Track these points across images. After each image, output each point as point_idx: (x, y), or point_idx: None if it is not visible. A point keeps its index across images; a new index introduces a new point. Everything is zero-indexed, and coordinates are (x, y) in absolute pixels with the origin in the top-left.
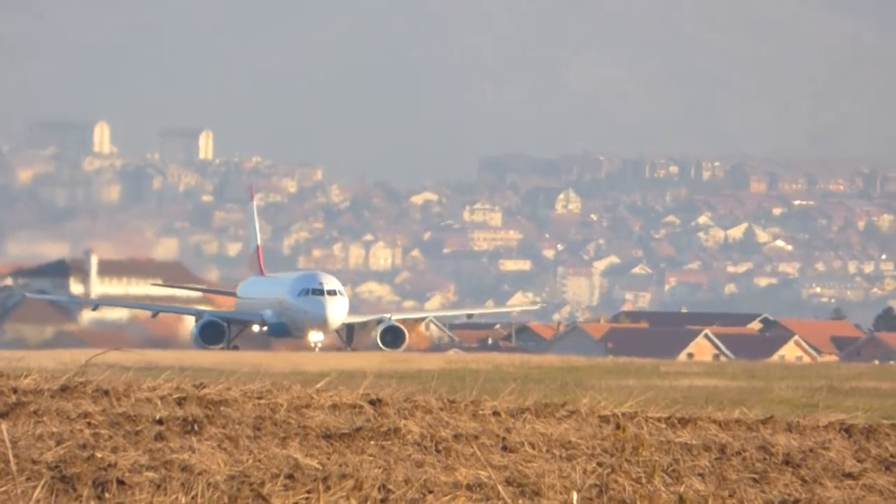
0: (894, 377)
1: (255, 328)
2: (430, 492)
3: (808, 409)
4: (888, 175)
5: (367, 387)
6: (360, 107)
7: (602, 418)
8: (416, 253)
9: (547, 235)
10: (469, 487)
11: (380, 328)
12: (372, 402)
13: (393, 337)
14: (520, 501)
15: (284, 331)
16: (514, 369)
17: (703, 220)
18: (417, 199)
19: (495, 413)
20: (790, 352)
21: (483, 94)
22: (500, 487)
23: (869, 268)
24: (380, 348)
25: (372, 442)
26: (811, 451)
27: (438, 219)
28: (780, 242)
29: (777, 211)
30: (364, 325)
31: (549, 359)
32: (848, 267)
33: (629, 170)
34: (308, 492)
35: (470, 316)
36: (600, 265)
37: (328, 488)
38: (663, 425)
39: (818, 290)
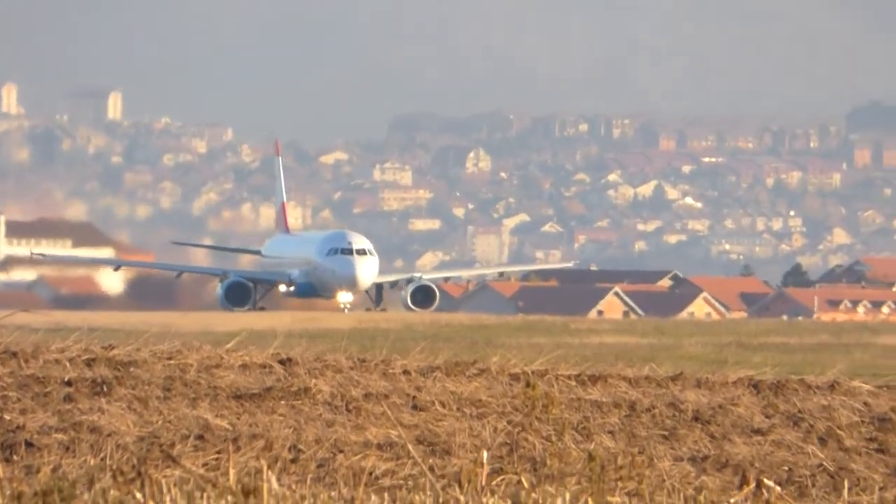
0: (802, 333)
1: (282, 288)
2: (341, 451)
3: (717, 365)
4: (796, 132)
5: (278, 346)
6: (270, 66)
7: (512, 376)
8: (326, 213)
9: (457, 194)
10: (379, 446)
11: (410, 287)
12: (282, 362)
13: (424, 296)
14: (430, 460)
15: (312, 291)
16: (425, 328)
17: (613, 177)
18: (328, 159)
19: (405, 372)
20: (699, 308)
21: (392, 53)
22: (410, 446)
23: (777, 224)
24: (410, 308)
25: (282, 402)
26: (720, 407)
27: (348, 178)
28: (689, 200)
29: (686, 168)
30: (394, 284)
31: (459, 317)
32: (756, 224)
33: (539, 128)
34: (218, 452)
35: (501, 274)
36: (510, 223)
37: (238, 448)
38: (573, 383)
39: (727, 246)
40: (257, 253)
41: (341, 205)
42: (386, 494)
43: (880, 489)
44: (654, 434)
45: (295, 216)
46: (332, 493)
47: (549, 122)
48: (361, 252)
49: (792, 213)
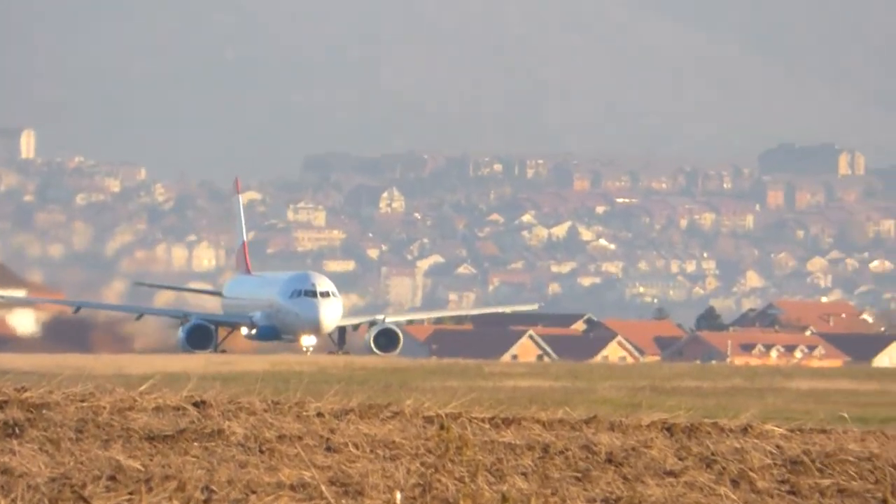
0: (715, 376)
1: (244, 331)
2: (254, 492)
3: (630, 408)
4: (709, 173)
5: (192, 389)
6: (183, 105)
7: (426, 419)
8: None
9: (371, 235)
10: (292, 487)
11: (373, 331)
12: (196, 404)
13: (387, 340)
14: (343, 501)
15: (275, 334)
16: (339, 371)
17: (526, 218)
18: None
19: (319, 414)
20: (613, 352)
21: (306, 94)
22: (323, 487)
23: (691, 267)
24: (373, 352)
25: (195, 443)
26: (633, 449)
27: (262, 218)
28: (603, 241)
29: (600, 209)
30: (357, 326)
31: (373, 360)
32: (671, 266)
33: (453, 168)
34: (130, 493)
35: (462, 318)
36: (424, 265)
37: (151, 489)
38: (487, 425)
39: (641, 289)
40: (218, 294)
41: (255, 245)
42: None
43: None
44: (568, 476)
45: (208, 256)
46: None
47: (463, 162)
48: (325, 294)
49: (705, 254)
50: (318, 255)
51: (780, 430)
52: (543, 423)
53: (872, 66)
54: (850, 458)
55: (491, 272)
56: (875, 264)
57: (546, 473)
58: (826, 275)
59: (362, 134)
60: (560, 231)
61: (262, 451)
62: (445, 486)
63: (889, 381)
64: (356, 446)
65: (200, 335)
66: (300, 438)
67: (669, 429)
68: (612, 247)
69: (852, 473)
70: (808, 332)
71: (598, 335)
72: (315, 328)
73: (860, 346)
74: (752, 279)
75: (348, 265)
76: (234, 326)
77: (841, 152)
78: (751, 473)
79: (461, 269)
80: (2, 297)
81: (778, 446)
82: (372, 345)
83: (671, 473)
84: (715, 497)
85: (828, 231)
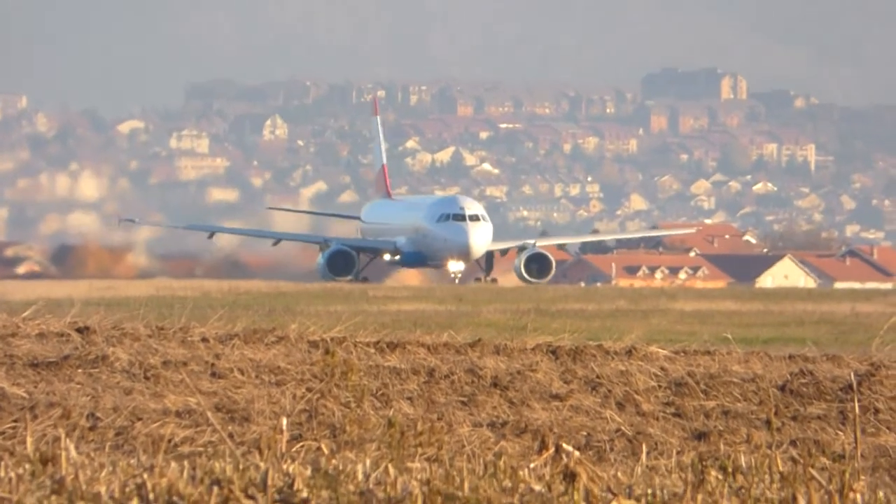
0: (600, 299)
1: (387, 257)
2: (139, 419)
3: (515, 332)
4: (592, 98)
5: (75, 315)
6: (65, 33)
7: (311, 343)
8: (123, 182)
9: (255, 163)
10: (178, 414)
11: (523, 256)
12: (79, 330)
13: (539, 266)
14: (229, 427)
15: (421, 260)
16: (223, 296)
17: (410, 144)
18: (124, 128)
19: (204, 339)
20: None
21: (189, 22)
22: (209, 413)
23: (575, 190)
24: (524, 278)
25: (80, 370)
26: (519, 373)
27: (145, 147)
28: (487, 166)
29: (484, 134)
30: (505, 252)
31: (258, 285)
32: (554, 190)
33: (336, 95)
34: (15, 420)
35: (601, 242)
36: (308, 192)
37: (35, 417)
38: (372, 350)
39: (525, 212)
40: (356, 219)
41: (138, 174)
42: (185, 462)
43: (678, 453)
44: (453, 400)
45: (91, 186)
46: (131, 461)
47: (346, 89)
48: (475, 218)
49: (589, 178)
50: (200, 184)
51: (665, 352)
52: (428, 347)
53: None
54: (734, 380)
55: (375, 198)
56: (758, 187)
57: (432, 398)
58: (709, 197)
59: (246, 62)
60: (444, 157)
61: (146, 378)
62: (331, 411)
63: (772, 302)
64: (241, 372)
65: (342, 261)
66: (185, 364)
67: (554, 352)
68: (496, 171)
69: (736, 395)
70: (691, 254)
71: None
72: (464, 254)
73: (743, 267)
74: (636, 202)
75: (232, 194)
76: (377, 253)
77: (723, 76)
78: (636, 396)
79: (344, 196)
80: None
81: (662, 368)
82: (523, 270)
83: (557, 397)
84: (600, 420)
85: (711, 154)
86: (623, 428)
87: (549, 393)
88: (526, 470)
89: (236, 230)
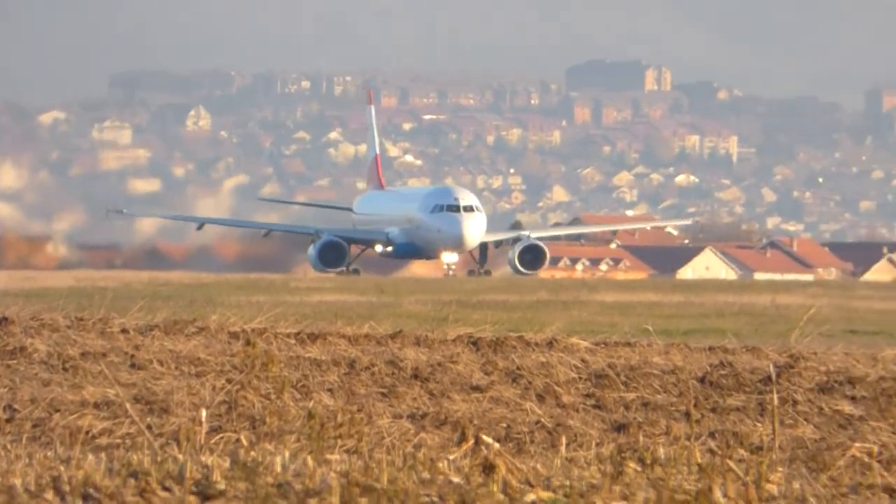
0: (521, 290)
1: (379, 248)
2: (57, 410)
3: (436, 323)
4: (517, 89)
5: None
6: None
7: (232, 334)
8: (43, 173)
9: (177, 154)
10: (97, 405)
11: (518, 247)
12: None
13: (533, 257)
14: (148, 419)
15: (414, 251)
16: (143, 287)
17: (333, 135)
18: (46, 118)
19: (124, 331)
20: (418, 268)
21: (112, 11)
22: (127, 405)
23: (497, 182)
24: (518, 270)
25: None
26: (439, 364)
27: (66, 138)
28: (409, 157)
29: (407, 126)
30: (500, 243)
31: (179, 276)
32: (477, 181)
33: (260, 85)
34: None
35: (614, 232)
36: (230, 183)
37: None
38: (293, 341)
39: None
40: (348, 210)
41: (59, 165)
42: (103, 454)
43: (597, 444)
44: (374, 392)
45: (11, 176)
46: (49, 453)
47: (271, 79)
48: (469, 209)
49: (512, 170)
50: (122, 174)
51: (586, 343)
52: (349, 339)
53: None
54: (655, 371)
55: (297, 190)
56: (680, 178)
57: (352, 389)
58: (632, 189)
59: (170, 52)
60: (367, 148)
61: (65, 369)
62: (251, 402)
63: (693, 293)
64: (161, 363)
65: (334, 252)
66: (104, 355)
67: (475, 343)
68: (419, 163)
69: (656, 386)
70: (613, 245)
71: None
72: (458, 245)
73: (664, 258)
74: (559, 194)
75: (154, 184)
76: (368, 244)
77: (647, 68)
78: (556, 388)
79: (267, 187)
80: None
81: (583, 360)
82: (517, 262)
83: (477, 388)
84: (521, 412)
85: (634, 146)
86: (543, 420)
87: (469, 384)
88: (445, 462)
89: (222, 220)
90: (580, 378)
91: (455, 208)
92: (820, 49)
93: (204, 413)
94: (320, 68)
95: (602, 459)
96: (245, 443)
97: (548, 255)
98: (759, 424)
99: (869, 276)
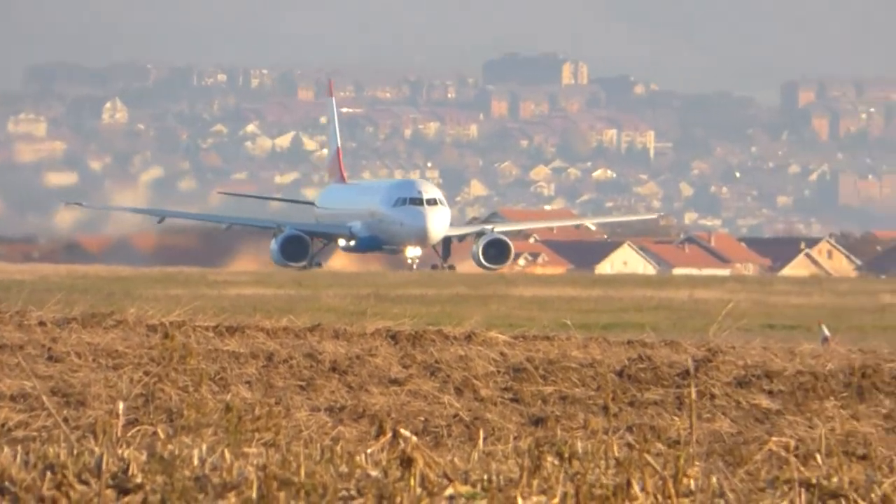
0: (439, 284)
1: (342, 243)
2: None
3: (355, 316)
4: (434, 83)
5: None
6: None
7: (150, 327)
8: None
9: (93, 146)
10: (13, 398)
11: (481, 242)
12: None
13: (497, 251)
14: (65, 412)
15: (376, 245)
16: (61, 279)
17: (250, 128)
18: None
19: (41, 323)
20: (338, 261)
21: (28, 2)
22: (44, 398)
23: (414, 176)
24: (482, 264)
25: None
26: (358, 357)
27: None
28: (326, 151)
29: (324, 119)
30: (463, 237)
31: (97, 269)
32: (394, 175)
33: (177, 78)
34: None
35: (577, 226)
36: (147, 177)
37: None
38: (211, 334)
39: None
40: (310, 204)
41: None
42: (19, 447)
43: (515, 438)
44: (292, 384)
45: None
46: None
47: (187, 72)
48: (433, 202)
49: (429, 164)
50: (37, 167)
51: (504, 337)
52: (268, 332)
53: None
54: (573, 365)
55: (214, 184)
56: (597, 173)
57: (270, 382)
58: (549, 183)
59: (86, 44)
60: (284, 142)
61: None
62: (169, 395)
63: (611, 288)
64: (78, 355)
65: (296, 246)
66: (21, 348)
67: (394, 337)
68: None
69: (575, 380)
70: (531, 240)
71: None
72: (422, 239)
73: (583, 253)
74: (476, 188)
75: (71, 177)
76: (331, 238)
77: (564, 62)
78: (475, 381)
79: (184, 183)
80: None
81: (502, 353)
82: (481, 256)
83: (396, 382)
84: (439, 405)
85: (551, 140)
86: (461, 413)
87: (387, 378)
88: (363, 455)
89: (187, 214)
90: (498, 372)
91: (418, 201)
92: (736, 44)
93: (121, 406)
94: (236, 61)
95: (520, 453)
96: (162, 436)
97: (512, 250)
98: (676, 418)
99: (786, 271)
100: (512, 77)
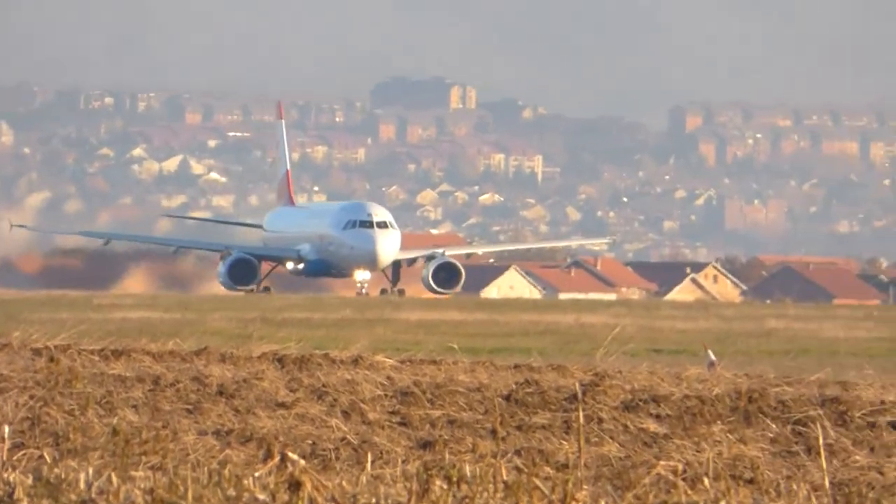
0: (325, 308)
1: (290, 266)
2: None
3: (241, 340)
4: (322, 107)
5: None
6: None
7: (35, 351)
8: None
9: None
10: None
11: (431, 265)
12: None
13: (447, 275)
14: None
15: (325, 269)
16: None
17: (137, 152)
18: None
19: None
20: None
21: None
22: None
23: (301, 200)
24: (433, 289)
25: None
26: (245, 381)
27: None
28: (214, 175)
29: (212, 143)
30: (412, 261)
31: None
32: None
33: (64, 101)
34: None
35: (530, 250)
36: (32, 201)
37: None
38: (97, 357)
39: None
40: (258, 227)
41: None
42: None
43: (403, 462)
44: (179, 408)
45: None
46: None
47: (74, 95)
48: (383, 225)
49: (317, 188)
50: None
51: (391, 361)
52: (154, 355)
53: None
54: (460, 389)
55: (101, 209)
56: (484, 197)
57: (157, 406)
58: (436, 207)
59: None
60: (171, 165)
61: None
62: (55, 419)
63: (497, 312)
64: None
65: (243, 270)
66: None
67: (281, 360)
68: (224, 180)
69: (462, 404)
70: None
71: (209, 269)
72: (371, 262)
73: (469, 277)
74: None
75: None
76: (279, 261)
77: (452, 86)
78: (362, 405)
79: (69, 206)
80: None
81: (389, 377)
82: (431, 281)
83: (283, 405)
84: (326, 429)
85: (438, 164)
86: (348, 436)
87: (274, 401)
88: (251, 479)
89: (134, 237)
90: (386, 395)
91: (368, 224)
92: (624, 69)
93: (7, 429)
94: (124, 84)
95: (408, 477)
96: (48, 459)
97: (463, 274)
98: (564, 442)
99: (672, 295)
100: (400, 101)
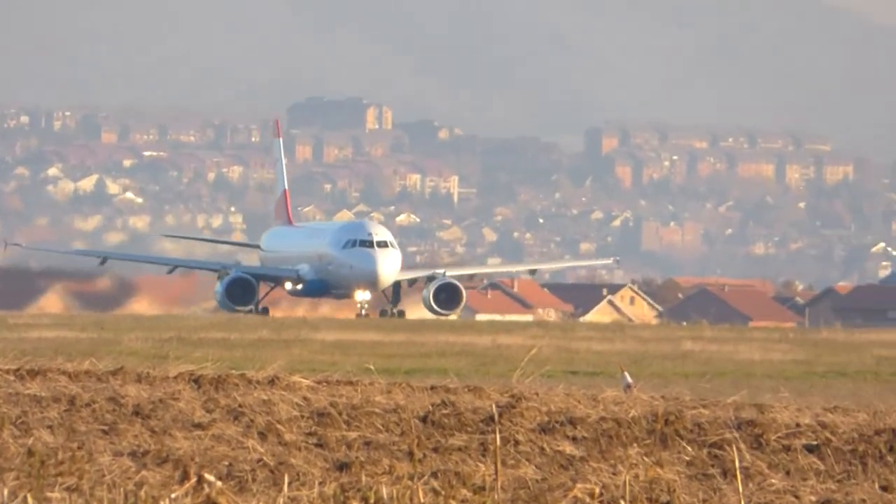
0: (242, 328)
1: (288, 286)
2: None
3: (158, 360)
4: (238, 127)
5: None
6: None
7: None
8: None
9: None
10: None
11: (432, 286)
12: None
13: (448, 296)
14: None
15: (324, 289)
16: None
17: (52, 171)
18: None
19: None
20: (141, 306)
21: None
22: None
23: (217, 221)
24: (434, 310)
25: None
26: (161, 401)
27: None
28: (130, 194)
29: (128, 162)
30: (413, 282)
31: None
32: (197, 220)
33: None
34: None
35: (533, 272)
36: None
37: None
38: (12, 377)
39: (168, 245)
40: (256, 247)
41: None
42: None
43: (320, 483)
44: (95, 429)
45: None
46: None
47: None
48: (383, 244)
49: (233, 208)
50: None
51: (307, 381)
52: (70, 375)
53: (401, 21)
54: (377, 410)
55: (15, 230)
56: (401, 218)
57: (73, 426)
58: None
59: None
60: (87, 185)
61: None
62: None
63: (414, 333)
64: None
65: (241, 290)
66: None
67: (197, 381)
68: (140, 200)
69: (378, 426)
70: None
71: (125, 289)
72: (372, 282)
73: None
74: None
75: None
76: (278, 281)
77: (369, 106)
78: (278, 426)
79: None
80: None
81: (305, 398)
82: (432, 302)
83: (199, 426)
84: (242, 450)
85: (355, 185)
86: (265, 458)
87: (191, 422)
88: (167, 500)
89: (127, 256)
90: (302, 416)
91: (368, 244)
92: (540, 89)
93: None
94: (39, 103)
95: (325, 499)
96: None
97: (464, 295)
98: (481, 464)
99: (589, 317)
100: (316, 121)
